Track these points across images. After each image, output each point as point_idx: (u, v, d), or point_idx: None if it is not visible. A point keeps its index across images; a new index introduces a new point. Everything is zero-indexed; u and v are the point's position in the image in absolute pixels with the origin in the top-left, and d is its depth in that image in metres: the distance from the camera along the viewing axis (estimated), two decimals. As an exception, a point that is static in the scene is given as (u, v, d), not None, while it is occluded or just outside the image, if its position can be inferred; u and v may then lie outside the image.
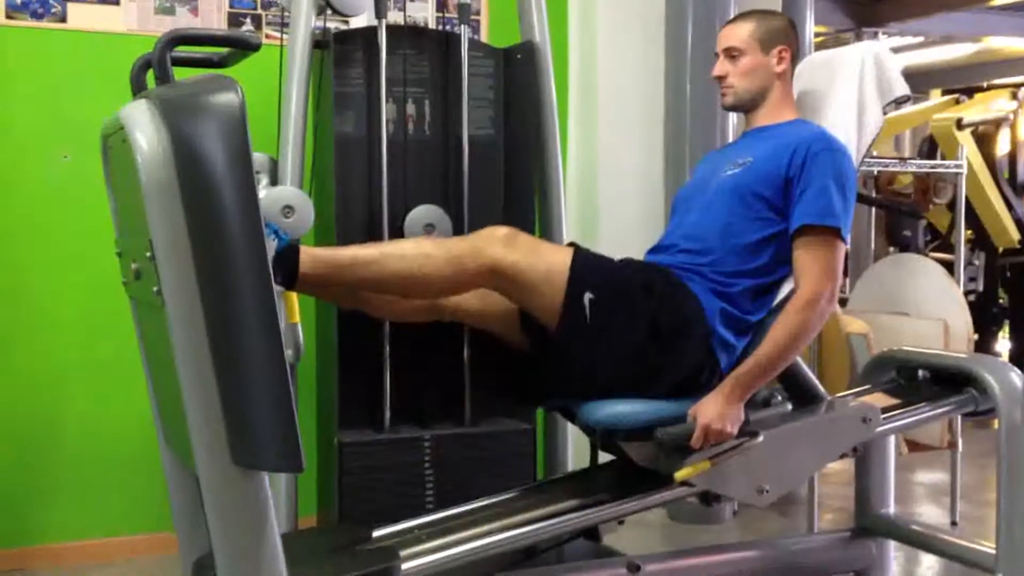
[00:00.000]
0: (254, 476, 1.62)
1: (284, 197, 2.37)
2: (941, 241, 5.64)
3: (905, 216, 5.37)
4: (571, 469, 2.93)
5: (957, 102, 5.29)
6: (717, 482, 2.21)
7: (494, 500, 2.33)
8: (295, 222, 2.20)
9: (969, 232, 5.03)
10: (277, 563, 1.66)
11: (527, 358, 2.27)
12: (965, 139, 4.91)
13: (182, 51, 1.94)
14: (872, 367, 2.89)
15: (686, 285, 2.21)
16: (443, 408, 2.88)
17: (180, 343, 1.58)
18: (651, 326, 2.14)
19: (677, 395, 2.17)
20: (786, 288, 2.27)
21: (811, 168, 2.23)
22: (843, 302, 4.00)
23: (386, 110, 2.81)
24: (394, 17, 2.85)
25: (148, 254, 1.59)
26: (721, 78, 2.43)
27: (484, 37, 3.62)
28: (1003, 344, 5.98)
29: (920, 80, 10.18)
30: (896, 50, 8.92)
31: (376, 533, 2.20)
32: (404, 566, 2.02)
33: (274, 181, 2.64)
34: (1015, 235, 5.05)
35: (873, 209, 5.24)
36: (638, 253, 2.42)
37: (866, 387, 2.83)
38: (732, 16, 2.55)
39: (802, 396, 2.38)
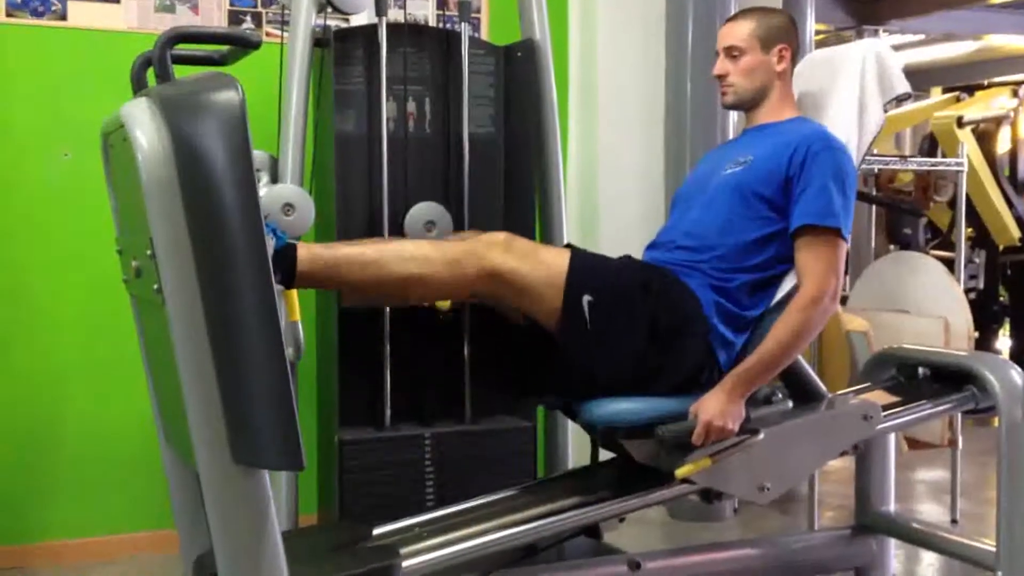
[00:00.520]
0: (255, 474, 1.62)
1: (284, 195, 2.38)
2: (942, 239, 5.64)
3: (906, 214, 5.37)
4: (571, 467, 2.93)
5: (958, 100, 5.29)
6: (718, 480, 2.21)
7: (495, 498, 2.33)
8: (295, 220, 2.21)
9: (970, 230, 5.03)
10: (277, 561, 1.66)
11: (528, 354, 2.27)
12: (966, 137, 4.91)
13: (182, 49, 1.93)
14: (872, 365, 2.89)
15: (684, 283, 2.21)
16: (443, 406, 2.88)
17: (180, 341, 1.58)
18: (650, 327, 2.14)
19: (678, 393, 2.17)
20: (787, 285, 2.27)
21: (811, 167, 2.23)
22: (843, 300, 4.00)
23: (386, 108, 2.81)
24: (394, 15, 2.85)
25: (148, 252, 1.59)
26: (722, 77, 2.43)
27: (484, 35, 3.62)
28: (1004, 342, 5.98)
29: (921, 78, 10.16)
30: (897, 48, 8.91)
31: (376, 531, 2.20)
32: (404, 564, 2.02)
33: (274, 179, 2.64)
34: (1015, 233, 5.05)
35: (873, 207, 5.23)
36: (638, 251, 2.42)
37: (866, 385, 2.83)
38: (732, 14, 2.53)
39: (803, 394, 2.38)
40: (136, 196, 1.60)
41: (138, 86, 2.02)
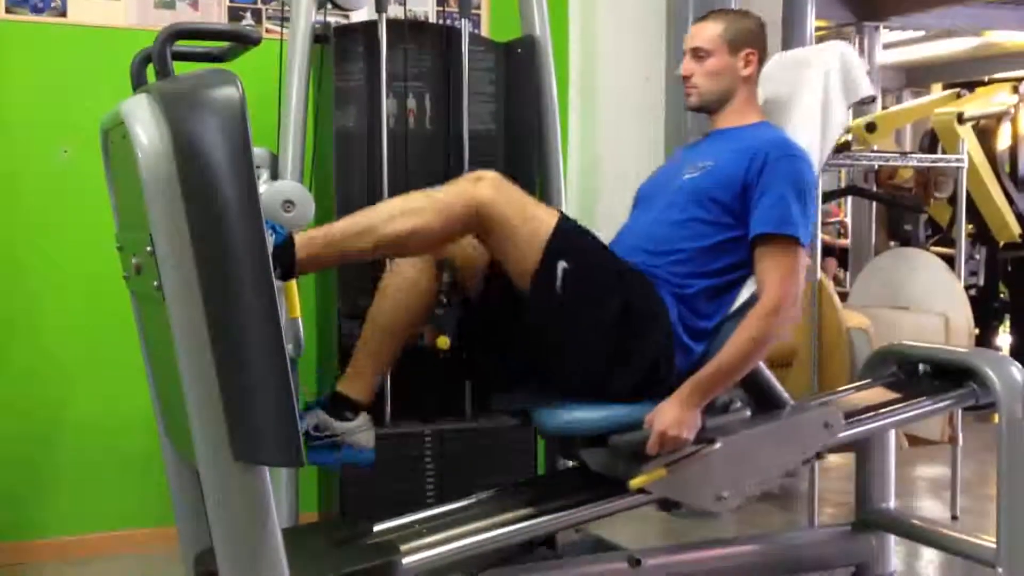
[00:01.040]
0: (255, 470, 1.62)
1: (284, 192, 2.37)
2: (942, 235, 5.63)
3: (906, 210, 5.37)
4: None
5: (958, 96, 5.28)
6: (673, 490, 2.17)
7: (494, 493, 2.34)
8: (295, 217, 2.20)
9: (970, 226, 5.02)
10: (278, 557, 1.66)
11: (484, 342, 2.24)
12: (966, 133, 4.90)
13: (182, 45, 1.93)
14: (873, 361, 2.89)
15: (653, 283, 2.19)
16: (444, 403, 2.88)
17: (181, 338, 1.58)
18: (618, 311, 2.10)
19: (632, 394, 2.14)
20: (745, 292, 2.24)
21: (769, 174, 2.21)
22: (844, 296, 4.00)
23: (387, 105, 2.81)
24: (394, 11, 2.85)
25: (148, 249, 1.59)
26: (687, 77, 2.39)
27: (485, 31, 3.62)
28: (1004, 338, 5.98)
29: (921, 74, 10.18)
30: (897, 44, 8.91)
31: (377, 528, 2.20)
32: (405, 560, 2.02)
33: (274, 176, 2.64)
34: (1016, 229, 5.04)
35: (874, 203, 5.23)
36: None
37: (867, 381, 2.83)
38: (703, 14, 2.47)
39: (765, 401, 2.33)
40: (136, 193, 1.60)
41: (138, 82, 2.02)
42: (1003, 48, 9.10)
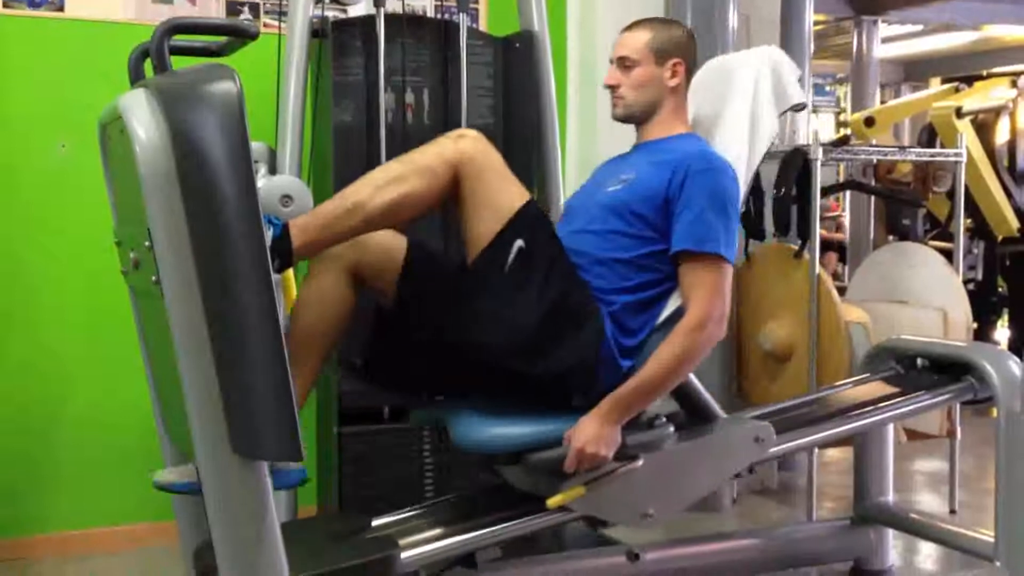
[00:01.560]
0: (253, 465, 1.63)
1: (282, 186, 2.37)
2: (940, 230, 5.63)
3: (904, 205, 5.36)
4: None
5: (957, 90, 5.28)
6: (595, 507, 2.14)
7: (493, 489, 2.34)
8: (293, 211, 2.19)
9: (968, 221, 5.01)
10: (276, 551, 1.67)
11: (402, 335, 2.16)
12: (964, 127, 4.89)
13: (180, 40, 1.94)
14: (871, 356, 2.89)
15: (592, 296, 2.16)
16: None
17: (179, 332, 1.58)
18: (555, 303, 2.08)
19: (546, 396, 2.11)
20: (671, 305, 2.20)
21: (690, 189, 2.17)
22: (842, 291, 4.00)
23: (385, 99, 2.81)
24: (392, 6, 2.84)
25: (147, 243, 1.59)
26: (612, 87, 2.35)
27: (483, 26, 3.61)
28: (1002, 333, 5.98)
29: (919, 68, 10.18)
30: (896, 38, 8.91)
31: (375, 522, 2.21)
32: (403, 554, 2.02)
33: (272, 170, 2.63)
34: (1014, 224, 5.04)
35: (872, 198, 5.23)
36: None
37: (865, 375, 2.84)
38: (630, 23, 2.41)
39: (696, 415, 2.30)
40: (134, 187, 1.60)
41: (136, 77, 2.02)
42: (1002, 42, 9.10)
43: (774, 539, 2.92)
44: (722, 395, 3.53)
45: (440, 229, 2.80)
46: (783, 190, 3.41)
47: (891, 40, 8.83)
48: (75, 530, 3.27)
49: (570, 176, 3.74)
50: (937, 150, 4.54)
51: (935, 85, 9.06)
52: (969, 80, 5.74)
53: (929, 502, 3.83)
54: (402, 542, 2.06)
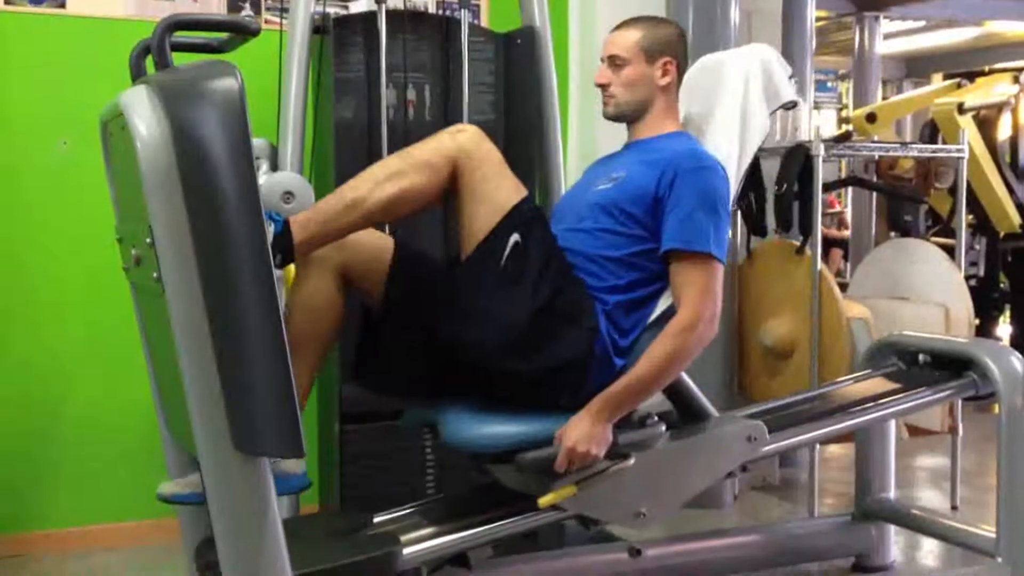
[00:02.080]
0: (255, 461, 1.63)
1: (284, 183, 2.36)
2: (942, 226, 5.62)
3: (906, 201, 5.35)
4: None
5: (959, 86, 5.27)
6: (586, 506, 2.13)
7: (493, 486, 2.34)
8: (295, 208, 2.20)
9: (970, 217, 5.01)
10: (278, 548, 1.67)
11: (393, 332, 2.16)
12: (966, 123, 4.89)
13: (181, 36, 1.93)
14: (873, 352, 2.89)
15: (588, 294, 2.16)
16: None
17: (180, 329, 1.58)
18: (548, 299, 2.07)
19: (537, 394, 2.10)
20: (663, 304, 2.20)
21: (679, 188, 2.16)
22: (844, 287, 3.99)
23: (386, 95, 2.81)
24: (394, 2, 2.84)
25: (148, 240, 1.59)
26: (603, 86, 2.34)
27: (484, 22, 3.61)
28: (1004, 329, 5.98)
29: (922, 64, 10.15)
30: (898, 34, 8.89)
31: (377, 519, 2.21)
32: (405, 551, 2.03)
33: (274, 167, 2.63)
34: (1016, 220, 5.03)
35: (874, 194, 5.22)
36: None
37: (867, 372, 2.83)
38: (620, 21, 2.39)
39: (689, 413, 2.29)
40: (135, 184, 1.60)
41: (137, 74, 2.02)
42: (1004, 38, 9.07)
43: (775, 535, 2.92)
44: (723, 392, 3.53)
45: (441, 224, 2.80)
46: (785, 186, 3.40)
47: (893, 36, 8.81)
48: (75, 527, 3.27)
49: (571, 172, 3.74)
50: (939, 146, 4.53)
51: (937, 81, 9.04)
52: (971, 76, 5.73)
53: (931, 498, 3.83)
54: (403, 539, 2.06)
